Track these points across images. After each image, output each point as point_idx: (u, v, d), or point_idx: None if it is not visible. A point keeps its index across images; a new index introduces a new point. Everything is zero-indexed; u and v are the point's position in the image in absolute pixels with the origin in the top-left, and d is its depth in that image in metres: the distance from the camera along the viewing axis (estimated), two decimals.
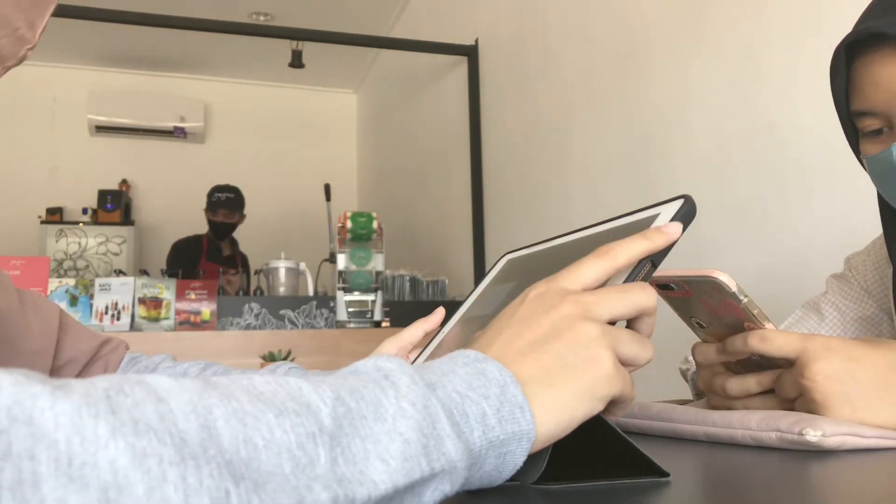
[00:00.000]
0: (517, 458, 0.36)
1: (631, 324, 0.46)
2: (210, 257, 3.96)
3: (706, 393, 0.68)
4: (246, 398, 0.28)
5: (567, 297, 0.42)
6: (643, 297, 0.43)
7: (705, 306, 0.60)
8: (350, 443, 0.30)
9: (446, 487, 0.33)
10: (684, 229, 0.46)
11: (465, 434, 0.34)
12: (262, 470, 0.26)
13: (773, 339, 0.58)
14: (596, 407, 0.39)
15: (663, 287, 0.60)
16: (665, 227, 0.45)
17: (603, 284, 0.44)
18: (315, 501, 0.27)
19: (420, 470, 0.31)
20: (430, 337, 0.75)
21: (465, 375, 0.36)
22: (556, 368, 0.39)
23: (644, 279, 0.45)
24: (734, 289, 0.56)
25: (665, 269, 0.58)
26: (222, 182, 4.00)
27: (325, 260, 3.45)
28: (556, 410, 0.38)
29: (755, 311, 0.58)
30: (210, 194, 3.93)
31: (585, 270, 0.44)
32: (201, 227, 4.05)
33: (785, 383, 0.60)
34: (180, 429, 0.25)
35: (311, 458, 0.28)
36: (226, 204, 3.89)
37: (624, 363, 0.42)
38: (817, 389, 0.56)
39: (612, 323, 0.43)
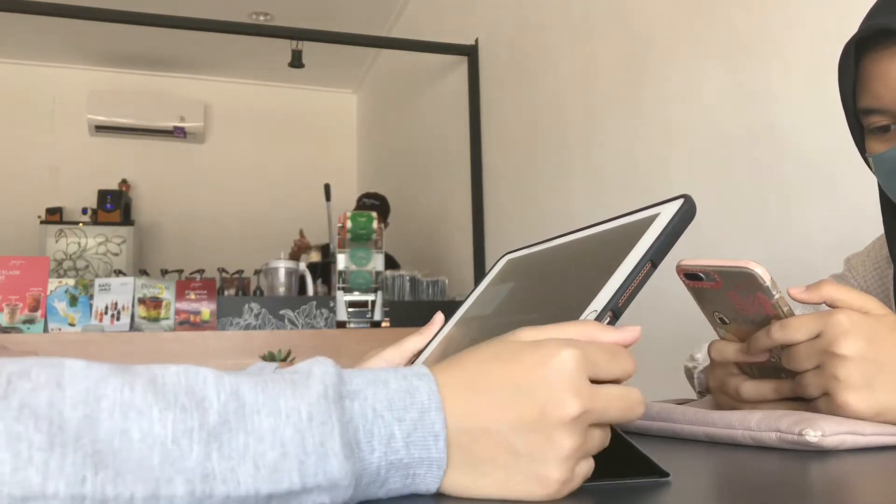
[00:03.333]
0: (429, 483, 0.36)
1: None
2: None
3: (716, 393, 0.67)
4: (142, 390, 0.31)
5: (582, 409, 0.37)
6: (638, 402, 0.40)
7: (733, 300, 0.59)
8: (232, 438, 0.31)
9: (325, 501, 0.33)
10: (684, 229, 0.46)
11: (362, 453, 0.34)
12: (131, 460, 0.29)
13: (793, 324, 0.56)
14: None
15: (691, 277, 0.59)
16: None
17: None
18: (170, 493, 0.29)
19: (289, 482, 0.32)
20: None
21: (394, 390, 0.36)
22: (500, 463, 0.36)
23: (643, 279, 0.45)
24: (768, 283, 0.55)
25: (696, 259, 0.58)
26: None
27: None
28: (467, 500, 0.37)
29: (785, 309, 0.57)
30: (357, 200, 3.86)
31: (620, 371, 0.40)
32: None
33: (801, 354, 0.57)
34: (64, 417, 0.28)
35: (183, 452, 0.30)
36: (371, 210, 3.76)
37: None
38: (842, 366, 0.54)
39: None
